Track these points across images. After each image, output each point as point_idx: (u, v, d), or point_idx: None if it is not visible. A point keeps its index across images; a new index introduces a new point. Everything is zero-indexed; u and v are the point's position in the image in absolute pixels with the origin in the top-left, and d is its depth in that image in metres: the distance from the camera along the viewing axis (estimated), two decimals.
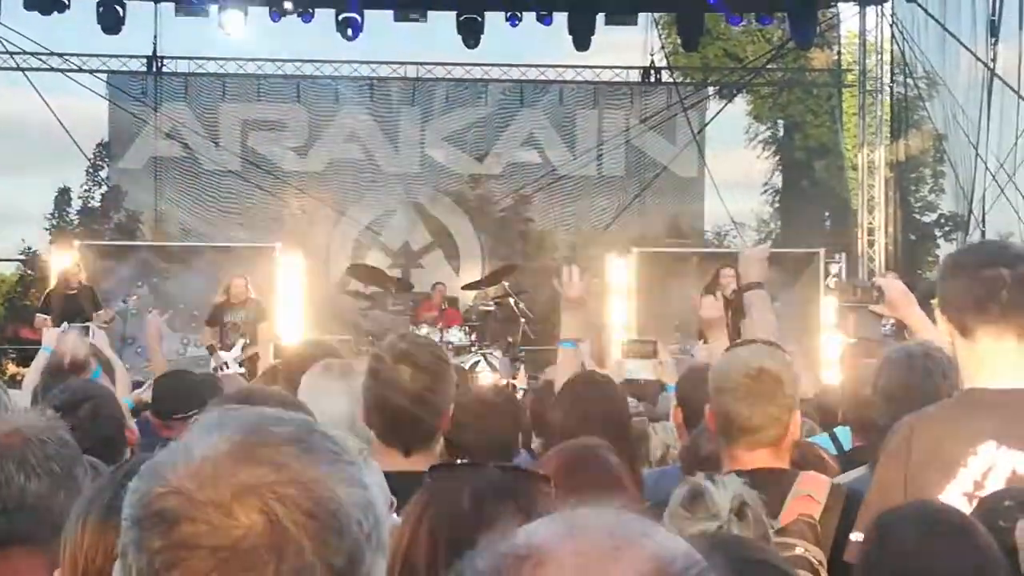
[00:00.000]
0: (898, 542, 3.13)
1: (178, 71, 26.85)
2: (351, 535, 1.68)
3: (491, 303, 22.02)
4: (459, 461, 2.93)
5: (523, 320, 20.99)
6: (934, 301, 4.18)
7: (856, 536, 3.94)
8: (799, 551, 4.09)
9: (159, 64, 26.57)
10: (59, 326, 11.83)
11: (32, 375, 8.95)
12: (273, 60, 26.81)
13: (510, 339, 20.93)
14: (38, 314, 17.79)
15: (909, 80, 26.39)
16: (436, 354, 4.80)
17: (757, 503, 3.53)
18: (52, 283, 19.03)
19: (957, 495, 3.70)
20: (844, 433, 6.55)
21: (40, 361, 9.55)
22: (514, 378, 16.01)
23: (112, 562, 2.47)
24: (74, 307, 17.36)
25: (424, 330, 19.22)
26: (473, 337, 20.03)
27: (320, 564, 1.64)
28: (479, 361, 18.63)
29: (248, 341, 16.63)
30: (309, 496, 1.66)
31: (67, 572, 2.57)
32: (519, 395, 10.72)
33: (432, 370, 4.64)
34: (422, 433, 4.52)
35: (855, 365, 6.41)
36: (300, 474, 1.67)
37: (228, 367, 15.82)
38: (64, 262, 19.54)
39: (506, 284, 21.58)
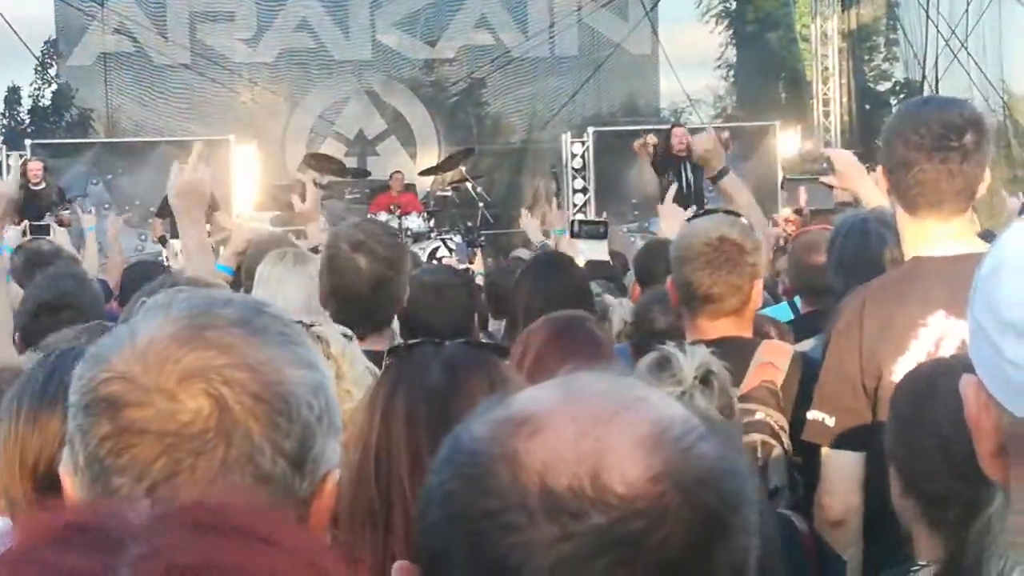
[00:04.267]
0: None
1: None
2: (301, 417, 1.66)
3: (448, 188, 21.98)
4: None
5: (481, 204, 20.96)
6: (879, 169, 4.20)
7: (816, 415, 3.98)
8: (760, 416, 4.14)
9: None
10: (19, 223, 11.74)
11: None
12: None
13: (469, 223, 20.93)
14: None
15: None
16: (392, 242, 4.83)
17: (723, 373, 3.55)
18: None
19: (911, 367, 3.72)
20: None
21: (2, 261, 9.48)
22: (471, 262, 15.99)
23: (47, 451, 2.47)
24: (36, 203, 17.22)
25: (383, 217, 19.20)
26: (432, 223, 20.00)
27: (269, 446, 1.63)
28: (438, 247, 18.62)
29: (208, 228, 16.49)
30: (257, 378, 1.64)
31: (1, 464, 2.53)
32: (478, 280, 10.71)
33: (388, 258, 4.67)
34: (378, 318, 4.60)
35: (800, 233, 6.43)
36: (247, 356, 1.65)
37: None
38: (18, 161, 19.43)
39: (463, 169, 21.53)
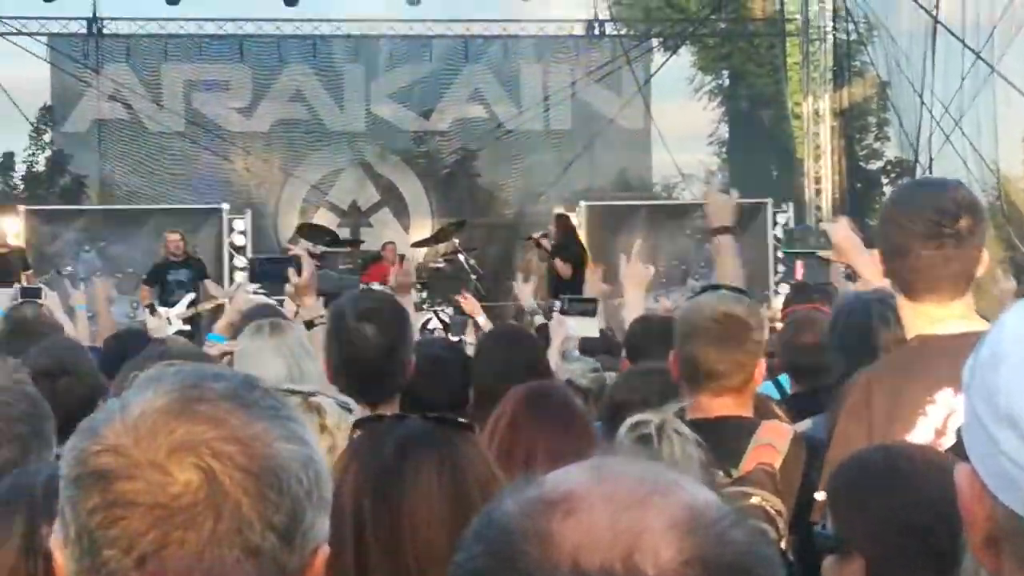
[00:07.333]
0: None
1: (119, 32, 26.57)
2: (291, 491, 1.66)
3: (441, 260, 22.01)
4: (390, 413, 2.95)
5: (473, 276, 20.98)
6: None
7: (824, 496, 3.94)
8: (755, 500, 4.10)
9: (100, 26, 26.28)
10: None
11: None
12: (214, 20, 26.59)
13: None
14: None
15: (850, 26, 26.49)
16: (396, 307, 4.87)
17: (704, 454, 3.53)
18: None
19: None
20: (787, 380, 6.51)
21: None
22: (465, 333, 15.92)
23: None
24: (3, 267, 17.46)
25: (376, 287, 19.22)
26: (424, 295, 20.01)
27: (258, 520, 1.63)
28: (430, 319, 18.62)
29: (197, 297, 16.64)
30: (247, 452, 1.64)
31: None
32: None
33: (395, 323, 4.71)
34: (390, 386, 4.63)
35: (791, 312, 6.40)
36: (238, 430, 1.66)
37: (171, 323, 15.66)
38: (12, 227, 19.61)
39: (456, 241, 21.57)
